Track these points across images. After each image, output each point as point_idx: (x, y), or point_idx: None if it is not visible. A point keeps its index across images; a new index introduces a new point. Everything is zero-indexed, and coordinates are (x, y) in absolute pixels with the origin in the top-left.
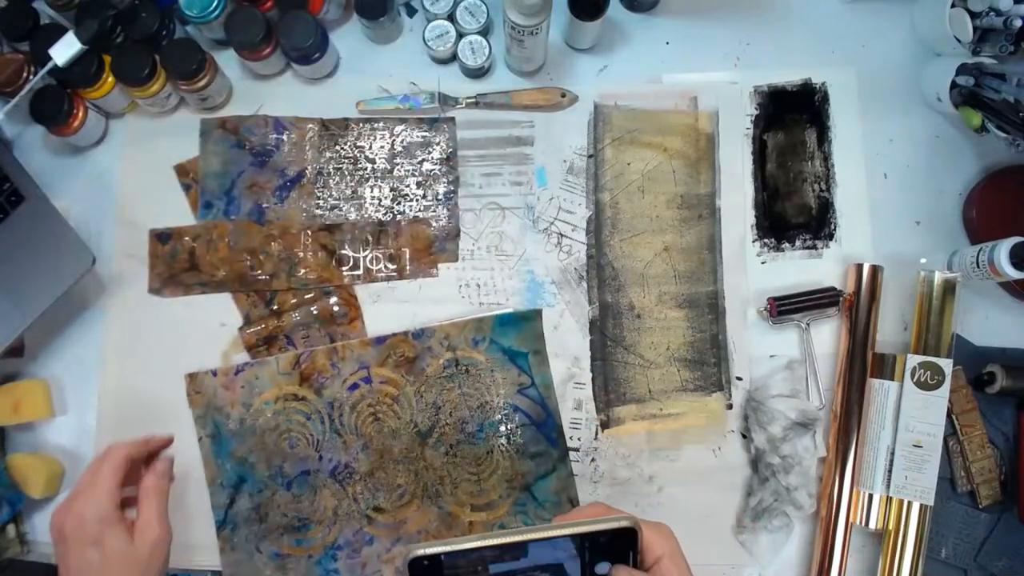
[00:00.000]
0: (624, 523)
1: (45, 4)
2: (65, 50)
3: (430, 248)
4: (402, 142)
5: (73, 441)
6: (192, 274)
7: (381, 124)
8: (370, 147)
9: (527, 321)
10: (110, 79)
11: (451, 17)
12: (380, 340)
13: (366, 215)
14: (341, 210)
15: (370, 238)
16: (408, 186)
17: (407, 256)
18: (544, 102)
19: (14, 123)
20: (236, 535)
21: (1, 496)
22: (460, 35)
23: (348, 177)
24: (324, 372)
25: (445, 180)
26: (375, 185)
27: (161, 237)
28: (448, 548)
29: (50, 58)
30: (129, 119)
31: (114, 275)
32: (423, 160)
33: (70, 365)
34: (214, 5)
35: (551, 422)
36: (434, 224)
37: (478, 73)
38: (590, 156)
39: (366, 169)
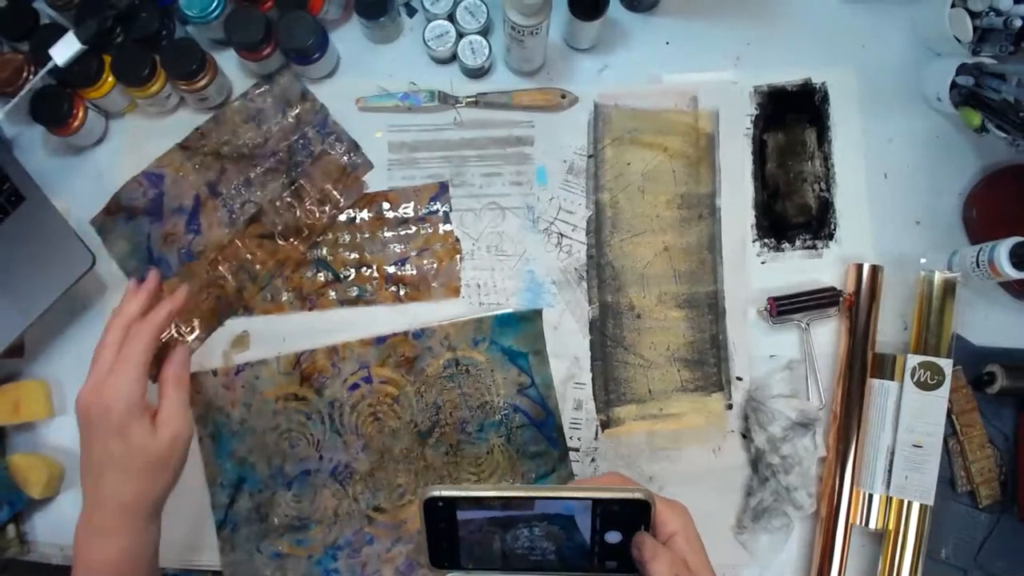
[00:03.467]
0: (639, 495)
1: (45, 4)
2: (65, 50)
3: (345, 170)
4: (259, 111)
5: (73, 441)
6: (179, 341)
7: (232, 118)
8: (235, 141)
9: (527, 321)
10: (110, 79)
11: (451, 17)
12: (381, 340)
13: (273, 187)
14: (251, 200)
15: (291, 200)
16: (288, 144)
17: (334, 192)
18: (544, 103)
19: (14, 123)
20: (236, 535)
21: (1, 496)
22: (460, 35)
23: (237, 175)
24: (324, 372)
25: (312, 111)
26: (260, 163)
27: None
28: (464, 493)
29: (50, 58)
30: (129, 119)
31: (114, 275)
32: (283, 119)
33: (70, 365)
34: (214, 5)
35: (551, 422)
36: (332, 151)
37: (478, 73)
38: (590, 156)
39: (244, 156)
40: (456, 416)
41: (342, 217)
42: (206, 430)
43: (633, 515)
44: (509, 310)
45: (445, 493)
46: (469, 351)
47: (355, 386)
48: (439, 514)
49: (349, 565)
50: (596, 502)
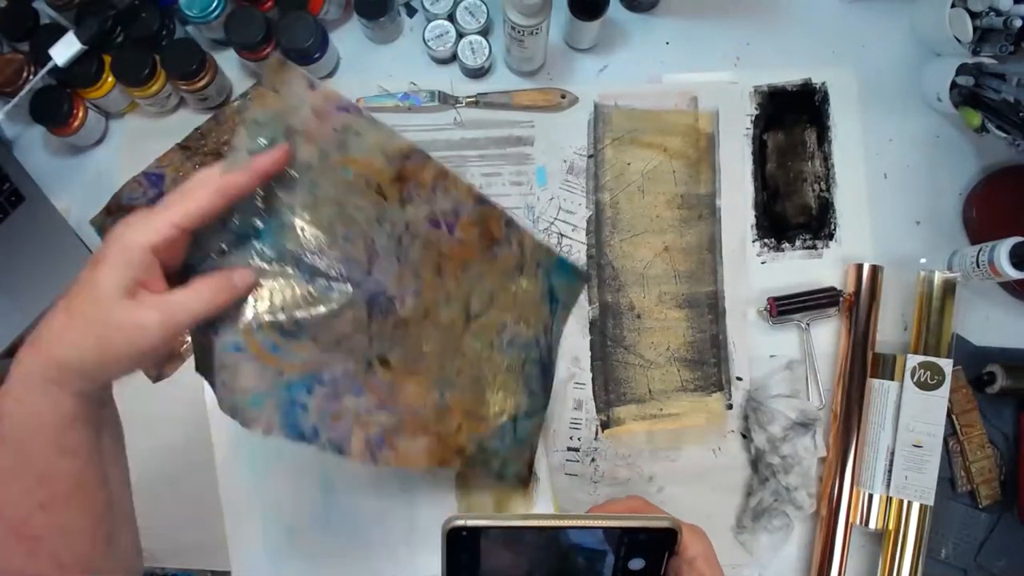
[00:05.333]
0: (667, 523)
1: (45, 4)
2: (65, 50)
3: None
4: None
5: None
6: (179, 341)
7: (232, 118)
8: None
9: (576, 278)
10: (110, 79)
11: (451, 17)
12: (483, 202)
13: None
14: None
15: None
16: None
17: None
18: (544, 103)
19: (14, 123)
20: None
21: None
22: (460, 35)
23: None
24: (422, 187)
25: None
26: None
27: None
28: (488, 523)
29: (50, 58)
30: (129, 119)
31: None
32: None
33: None
34: (214, 5)
35: (550, 372)
36: None
37: (478, 73)
38: (590, 156)
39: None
40: (500, 316)
41: None
42: (254, 141)
43: (659, 542)
44: (571, 259)
45: (470, 523)
46: (531, 267)
47: (437, 224)
48: (461, 543)
49: (321, 408)
50: (624, 530)
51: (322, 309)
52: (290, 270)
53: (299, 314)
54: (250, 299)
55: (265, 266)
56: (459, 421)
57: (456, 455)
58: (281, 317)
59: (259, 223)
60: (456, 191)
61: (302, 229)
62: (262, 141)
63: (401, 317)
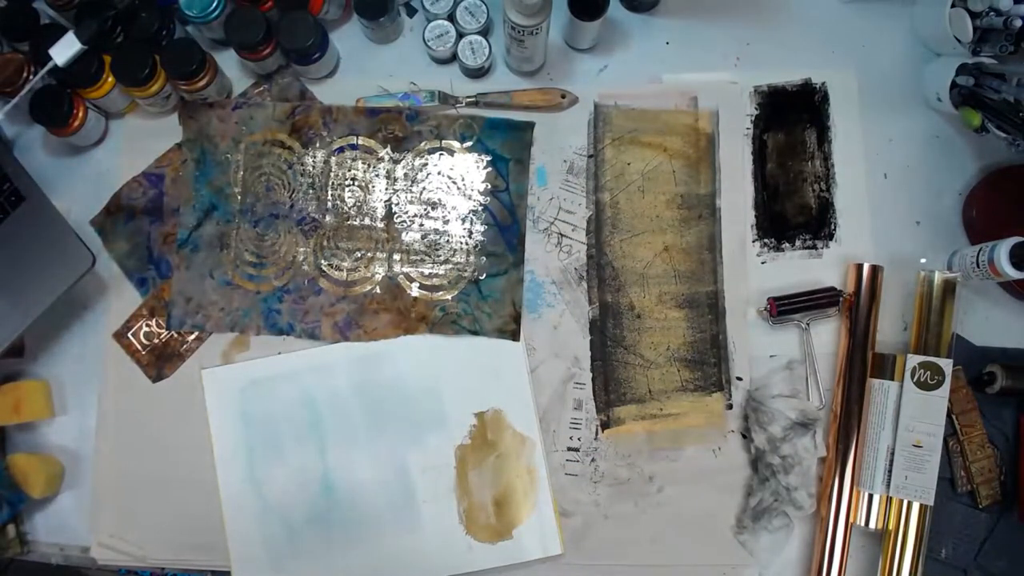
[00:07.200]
0: None
1: (45, 4)
2: (65, 50)
3: None
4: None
5: (73, 441)
6: (178, 341)
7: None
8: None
9: (517, 131)
10: (110, 79)
11: (451, 17)
12: (374, 112)
13: None
14: None
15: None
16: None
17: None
18: (544, 103)
19: (14, 123)
20: (194, 256)
21: (1, 496)
22: (460, 35)
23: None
24: (315, 128)
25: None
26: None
27: (120, 336)
28: None
29: (50, 58)
30: (129, 119)
31: (114, 275)
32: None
33: (70, 365)
34: (214, 5)
35: (515, 229)
36: None
37: (478, 73)
38: (590, 156)
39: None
40: (427, 198)
41: None
42: (192, 154)
43: None
44: (504, 116)
45: None
46: (454, 144)
47: (341, 149)
48: None
49: (292, 309)
50: None
51: (269, 241)
52: (242, 223)
53: (257, 248)
54: (232, 250)
55: (225, 226)
56: (414, 295)
57: (420, 322)
58: (247, 256)
59: (214, 201)
60: (345, 116)
61: (238, 194)
62: (195, 154)
63: (330, 228)
